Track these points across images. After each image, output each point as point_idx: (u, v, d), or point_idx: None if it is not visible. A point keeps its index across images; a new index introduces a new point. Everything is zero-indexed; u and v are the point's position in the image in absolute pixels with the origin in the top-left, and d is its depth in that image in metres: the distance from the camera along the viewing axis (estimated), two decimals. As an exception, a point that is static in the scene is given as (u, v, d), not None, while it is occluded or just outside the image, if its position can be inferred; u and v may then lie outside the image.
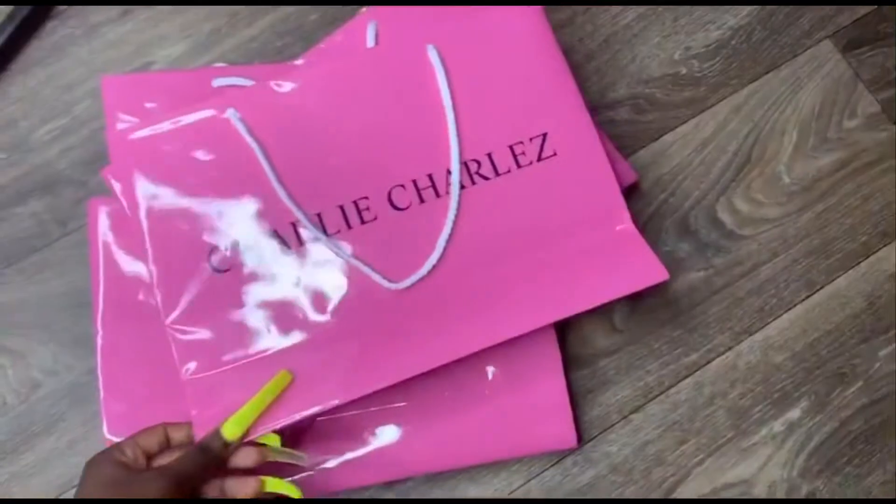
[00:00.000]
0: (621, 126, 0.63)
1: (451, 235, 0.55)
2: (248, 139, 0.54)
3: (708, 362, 0.60)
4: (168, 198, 0.54)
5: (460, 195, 0.55)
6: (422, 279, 0.55)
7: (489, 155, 0.56)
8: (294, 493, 0.49)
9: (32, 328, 0.58)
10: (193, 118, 0.55)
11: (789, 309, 0.61)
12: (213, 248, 0.54)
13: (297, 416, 0.49)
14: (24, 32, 0.62)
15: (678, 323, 0.60)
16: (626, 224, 0.56)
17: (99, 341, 0.56)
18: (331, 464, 0.56)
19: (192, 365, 0.52)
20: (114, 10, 0.64)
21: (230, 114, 0.55)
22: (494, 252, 0.55)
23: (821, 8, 0.66)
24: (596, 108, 0.63)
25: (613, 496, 0.57)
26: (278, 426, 0.49)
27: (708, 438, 0.58)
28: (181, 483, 0.45)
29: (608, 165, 0.56)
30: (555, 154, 0.56)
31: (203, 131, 0.55)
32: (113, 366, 0.56)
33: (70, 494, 0.56)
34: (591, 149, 0.57)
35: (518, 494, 0.57)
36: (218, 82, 0.61)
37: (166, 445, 0.49)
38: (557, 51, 0.58)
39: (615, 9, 0.66)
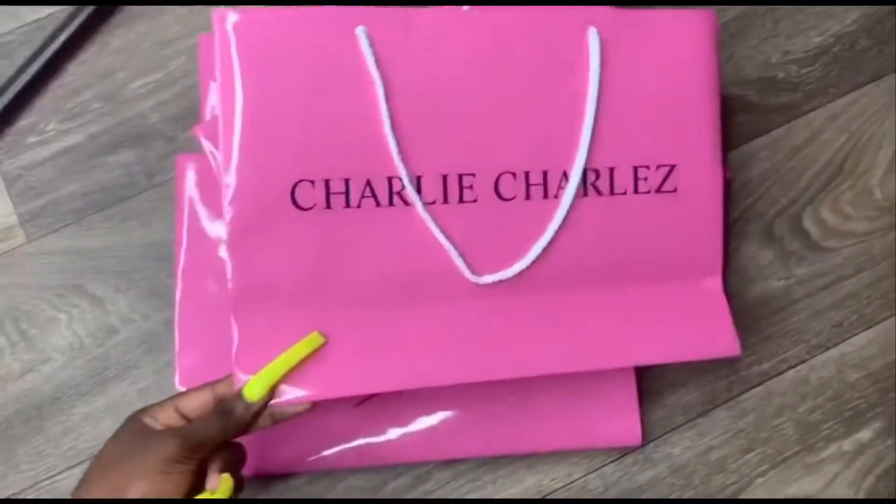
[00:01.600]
0: (711, 126, 0.62)
1: (548, 245, 0.51)
2: (373, 70, 0.47)
3: (780, 373, 0.58)
4: (268, 108, 0.47)
5: (573, 204, 0.51)
6: (504, 281, 0.50)
7: (611, 169, 0.51)
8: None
9: (113, 275, 0.59)
10: (317, 20, 0.47)
11: (869, 327, 0.59)
12: (300, 181, 0.47)
13: (347, 393, 0.47)
14: (128, -14, 0.63)
15: (754, 330, 0.59)
16: (716, 282, 0.53)
17: (178, 294, 0.57)
18: (391, 435, 0.56)
19: (245, 296, 0.48)
20: (215, -30, 0.65)
21: (360, 32, 0.47)
22: (584, 275, 0.52)
23: (930, 21, 0.64)
24: (687, 106, 0.62)
25: (672, 498, 0.57)
26: (323, 397, 0.46)
27: (774, 450, 0.57)
28: (194, 447, 0.43)
29: (721, 219, 0.53)
30: (675, 190, 0.52)
31: (322, 42, 0.47)
32: (190, 319, 0.56)
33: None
34: (712, 196, 0.53)
35: (575, 486, 0.57)
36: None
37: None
38: (716, 74, 0.53)
39: (715, 4, 0.64)
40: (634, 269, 0.53)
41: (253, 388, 0.45)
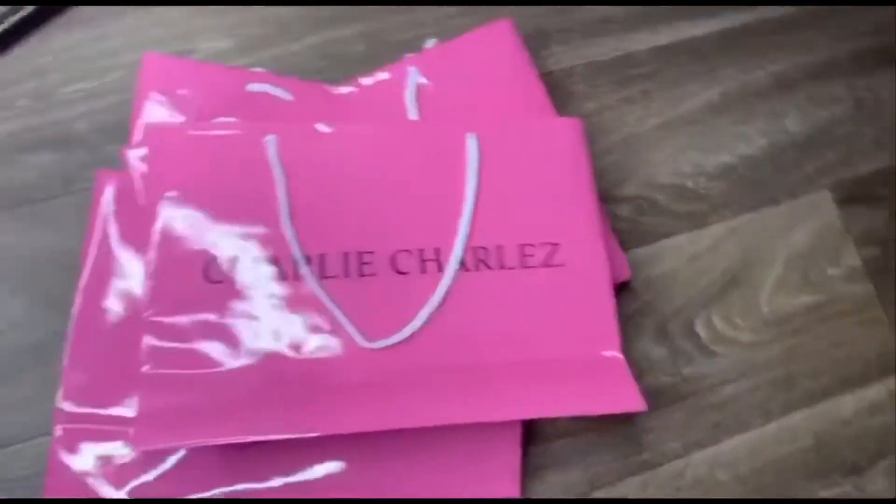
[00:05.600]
0: (622, 222, 0.66)
1: (436, 309, 0.57)
2: (276, 169, 0.57)
3: (658, 465, 0.61)
4: (185, 200, 0.55)
5: (459, 275, 0.57)
6: (396, 345, 0.56)
7: (498, 247, 0.58)
8: None
9: (11, 277, 0.57)
10: (232, 132, 0.57)
11: (743, 432, 0.63)
12: (212, 259, 0.55)
13: (238, 440, 0.51)
14: (78, -10, 0.63)
15: (638, 421, 0.61)
16: (614, 352, 0.58)
17: (76, 309, 0.55)
18: (274, 483, 0.55)
19: (153, 360, 0.53)
20: (171, -9, 0.65)
21: (269, 140, 0.57)
22: (477, 339, 0.57)
23: (826, 158, 0.70)
24: (603, 200, 0.65)
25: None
26: (218, 442, 0.52)
27: (642, 540, 0.59)
28: None
29: (611, 292, 0.59)
30: (562, 265, 0.59)
31: (238, 148, 0.57)
32: (84, 337, 0.55)
33: (4, 453, 0.54)
34: (597, 272, 0.59)
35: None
36: (252, 87, 0.62)
37: None
38: (587, 169, 0.61)
39: (640, 111, 0.69)
40: (532, 336, 0.58)
41: None
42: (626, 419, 0.61)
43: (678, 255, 0.66)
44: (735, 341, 0.64)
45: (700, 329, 0.64)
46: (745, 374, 0.64)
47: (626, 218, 0.66)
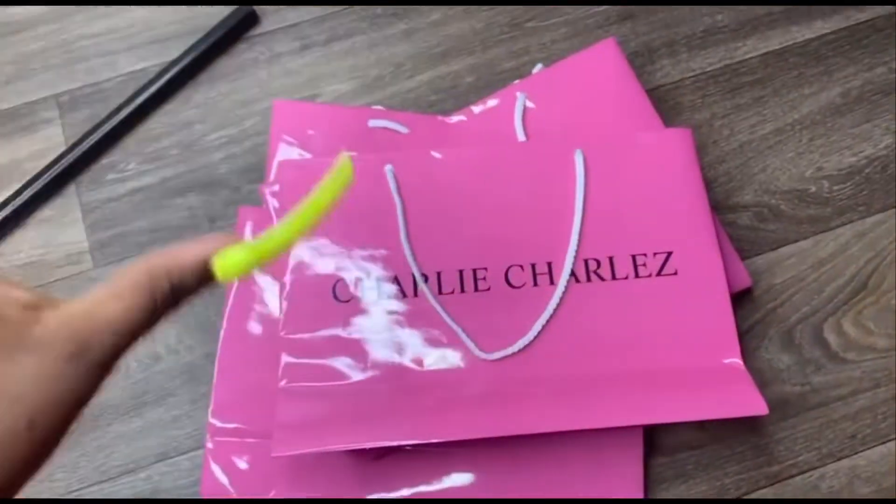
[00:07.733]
0: (741, 230, 0.65)
1: (549, 321, 0.58)
2: (395, 196, 0.61)
3: (790, 477, 0.59)
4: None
5: (571, 287, 0.59)
6: (512, 356, 0.58)
7: (610, 258, 0.59)
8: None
9: (166, 308, 0.64)
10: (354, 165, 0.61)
11: (883, 443, 0.60)
12: (339, 280, 0.59)
13: (367, 445, 0.54)
14: (217, 49, 0.70)
15: (766, 432, 0.60)
16: (735, 359, 0.57)
17: (222, 333, 0.61)
18: (402, 492, 0.58)
19: (289, 375, 0.57)
20: (296, 44, 0.71)
21: (387, 169, 0.61)
22: (593, 348, 0.58)
23: (963, 154, 0.66)
24: (719, 210, 0.65)
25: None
26: (348, 448, 0.55)
27: (777, 554, 0.58)
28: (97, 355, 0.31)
29: (727, 298, 0.58)
30: (676, 273, 0.59)
31: (359, 178, 0.60)
32: (229, 357, 0.61)
33: (165, 464, 0.60)
34: (713, 278, 0.59)
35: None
36: (373, 123, 0.66)
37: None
38: (699, 177, 0.61)
39: (754, 118, 0.68)
40: (648, 345, 0.58)
41: (233, 266, 0.33)
42: (753, 430, 0.60)
43: (802, 261, 0.64)
44: (869, 348, 0.62)
45: (829, 336, 0.62)
46: (881, 383, 0.61)
47: (745, 226, 0.65)
